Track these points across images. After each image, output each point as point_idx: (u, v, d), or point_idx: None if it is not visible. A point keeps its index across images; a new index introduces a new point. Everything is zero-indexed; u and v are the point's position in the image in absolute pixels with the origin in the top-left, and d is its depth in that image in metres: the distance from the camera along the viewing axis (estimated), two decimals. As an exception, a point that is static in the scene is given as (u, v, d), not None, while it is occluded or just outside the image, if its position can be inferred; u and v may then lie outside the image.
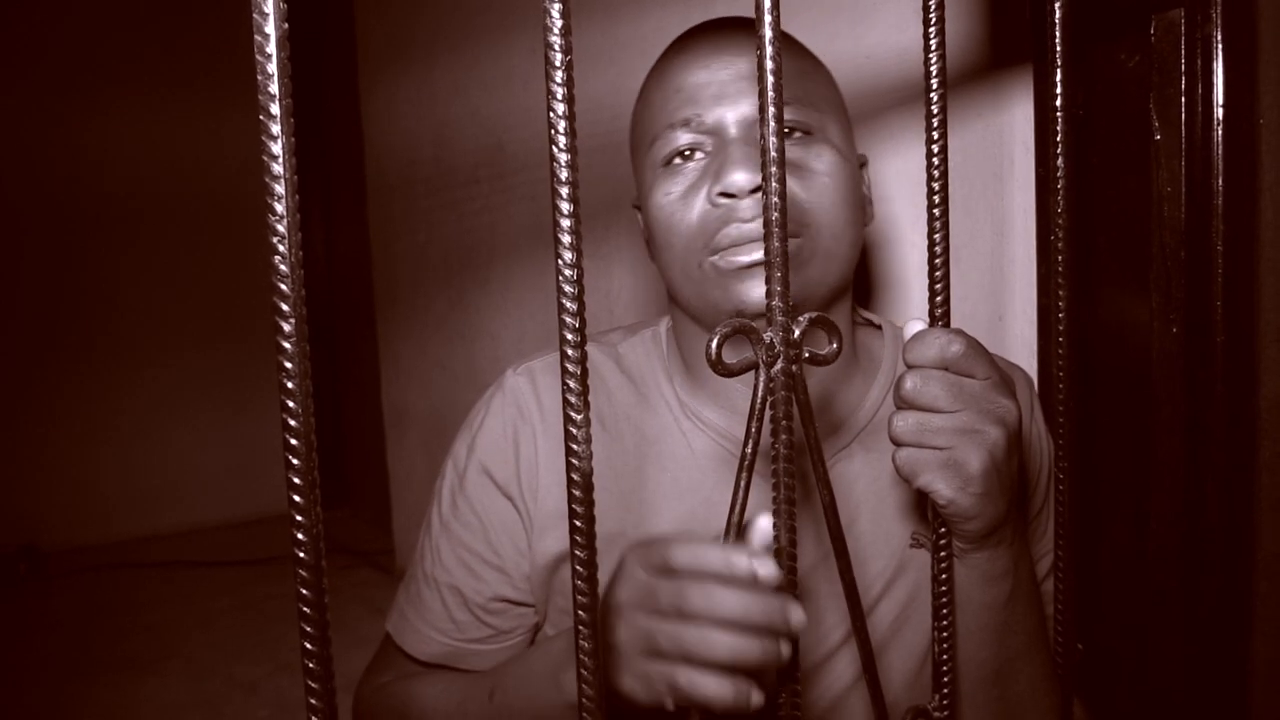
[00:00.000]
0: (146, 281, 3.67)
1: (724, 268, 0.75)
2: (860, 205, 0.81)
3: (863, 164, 0.85)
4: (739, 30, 0.81)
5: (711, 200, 0.75)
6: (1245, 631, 0.90)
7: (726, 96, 0.76)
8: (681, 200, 0.77)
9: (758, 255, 0.73)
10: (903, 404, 0.63)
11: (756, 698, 0.54)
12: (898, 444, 0.63)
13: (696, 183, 0.77)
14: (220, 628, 2.73)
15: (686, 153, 0.78)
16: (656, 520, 0.83)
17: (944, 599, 0.56)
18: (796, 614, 0.54)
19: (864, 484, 0.83)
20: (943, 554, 0.56)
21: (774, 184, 0.44)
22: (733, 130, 0.76)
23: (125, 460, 3.67)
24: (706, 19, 0.87)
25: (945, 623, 0.56)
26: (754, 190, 0.73)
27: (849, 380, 0.85)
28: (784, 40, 0.80)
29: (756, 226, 0.73)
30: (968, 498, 0.62)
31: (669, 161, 0.78)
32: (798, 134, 0.77)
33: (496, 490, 0.86)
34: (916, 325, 0.64)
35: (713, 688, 0.54)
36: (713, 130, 0.77)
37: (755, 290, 0.74)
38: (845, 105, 0.85)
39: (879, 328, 0.91)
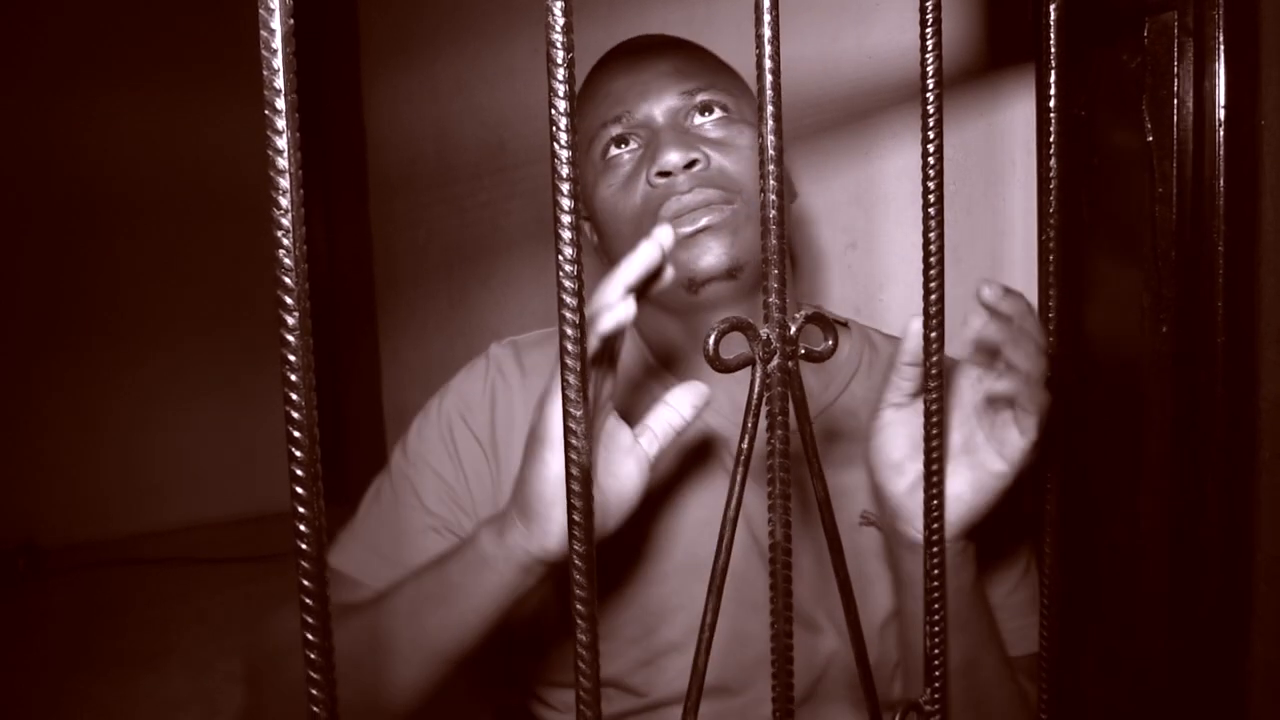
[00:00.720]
0: (145, 277, 3.66)
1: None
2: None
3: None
4: (658, 41, 0.89)
5: (650, 182, 0.81)
6: (1244, 633, 0.90)
7: (651, 92, 0.83)
8: (623, 189, 0.83)
9: (702, 223, 0.80)
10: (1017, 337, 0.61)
11: (624, 311, 0.59)
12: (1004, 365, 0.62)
13: (634, 171, 0.83)
14: (219, 624, 2.73)
15: (621, 145, 0.84)
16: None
17: (936, 592, 0.56)
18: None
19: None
20: (935, 548, 0.57)
21: (772, 182, 0.44)
22: (660, 119, 0.83)
23: (124, 457, 3.67)
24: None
25: (937, 616, 0.56)
26: (687, 166, 0.80)
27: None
28: (694, 45, 0.90)
29: (694, 197, 0.80)
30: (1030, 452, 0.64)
31: (605, 154, 0.84)
32: (719, 112, 0.83)
33: (470, 435, 0.87)
34: (917, 323, 0.65)
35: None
36: (642, 124, 0.83)
37: (704, 257, 0.80)
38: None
39: (845, 325, 0.95)
